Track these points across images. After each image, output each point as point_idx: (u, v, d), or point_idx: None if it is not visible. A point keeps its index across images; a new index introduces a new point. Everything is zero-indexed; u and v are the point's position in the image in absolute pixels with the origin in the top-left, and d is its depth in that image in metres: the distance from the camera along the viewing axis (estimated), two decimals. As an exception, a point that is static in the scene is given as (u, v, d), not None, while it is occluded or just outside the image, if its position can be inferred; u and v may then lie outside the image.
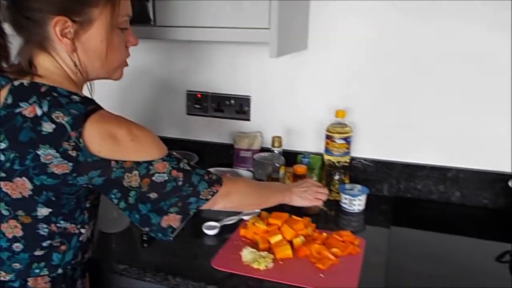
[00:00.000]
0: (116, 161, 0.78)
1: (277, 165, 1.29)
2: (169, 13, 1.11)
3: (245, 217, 1.20)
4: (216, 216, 1.23)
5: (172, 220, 0.85)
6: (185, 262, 1.02)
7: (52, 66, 0.81)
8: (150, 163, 0.80)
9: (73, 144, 0.74)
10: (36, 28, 0.77)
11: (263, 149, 1.50)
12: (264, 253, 1.01)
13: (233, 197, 0.94)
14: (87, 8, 0.77)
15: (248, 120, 1.53)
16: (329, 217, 1.27)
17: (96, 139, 0.76)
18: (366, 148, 1.42)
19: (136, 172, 0.79)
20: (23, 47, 0.82)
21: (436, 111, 1.33)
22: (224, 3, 1.06)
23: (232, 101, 1.52)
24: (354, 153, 1.42)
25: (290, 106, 1.47)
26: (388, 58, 1.33)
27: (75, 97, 0.78)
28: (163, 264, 1.01)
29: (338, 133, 1.33)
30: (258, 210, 1.24)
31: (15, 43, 0.82)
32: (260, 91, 1.49)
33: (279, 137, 1.29)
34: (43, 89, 0.76)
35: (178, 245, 1.09)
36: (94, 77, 0.87)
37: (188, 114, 1.57)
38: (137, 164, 0.79)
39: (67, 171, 0.75)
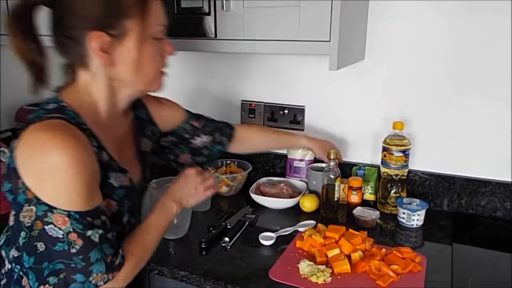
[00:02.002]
0: (23, 182, 0.70)
1: (332, 176, 1.28)
2: (230, 26, 1.14)
3: (300, 229, 1.20)
4: (271, 226, 1.24)
5: None
6: (243, 271, 1.03)
7: (91, 83, 0.82)
8: (50, 208, 0.70)
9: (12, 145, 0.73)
10: (76, 46, 0.77)
11: (316, 160, 1.50)
12: (322, 267, 1.01)
13: (136, 265, 0.83)
14: (121, 20, 0.77)
15: (302, 130, 1.52)
16: (386, 231, 1.24)
17: (23, 145, 0.71)
18: (424, 160, 1.38)
19: (34, 208, 0.71)
20: (64, 66, 0.83)
21: (502, 122, 1.26)
22: (285, 16, 1.07)
23: (286, 111, 1.53)
24: (411, 166, 1.37)
25: (345, 117, 1.46)
26: (447, 67, 1.28)
27: (53, 105, 0.78)
28: (222, 272, 1.03)
29: (396, 145, 1.30)
30: (313, 222, 1.24)
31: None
32: (315, 101, 1.49)
33: (335, 149, 1.28)
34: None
35: (236, 254, 1.11)
36: (134, 90, 0.86)
37: (242, 123, 1.60)
38: (38, 200, 0.70)
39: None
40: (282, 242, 1.15)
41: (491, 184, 1.29)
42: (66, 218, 0.70)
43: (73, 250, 0.72)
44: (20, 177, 0.71)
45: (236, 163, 1.54)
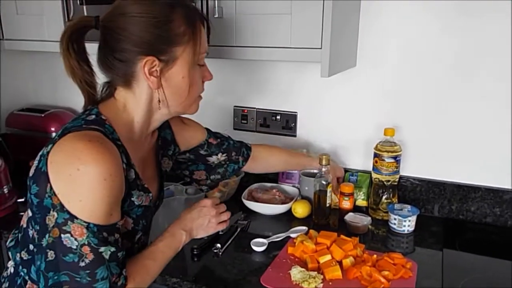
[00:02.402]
0: (52, 187, 0.71)
1: (324, 182, 1.29)
2: (222, 33, 1.14)
3: (292, 235, 1.20)
4: (263, 232, 1.24)
5: None
6: (234, 277, 1.03)
7: (131, 102, 0.84)
8: (71, 217, 0.70)
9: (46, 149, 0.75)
10: (124, 68, 0.80)
11: (309, 166, 1.50)
12: (314, 273, 1.01)
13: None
14: (172, 47, 0.80)
15: (294, 136, 1.53)
16: (377, 237, 1.25)
17: (59, 152, 0.73)
18: (415, 167, 1.39)
19: (55, 214, 0.71)
20: (107, 84, 0.86)
21: (492, 129, 1.28)
22: (277, 23, 1.08)
23: (278, 117, 1.54)
24: (403, 172, 1.38)
25: (337, 123, 1.47)
26: (438, 74, 1.30)
27: (93, 117, 0.79)
28: (214, 279, 1.02)
29: (387, 151, 1.31)
30: (305, 228, 1.24)
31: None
32: (307, 107, 1.50)
33: (327, 155, 1.29)
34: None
35: (227, 260, 1.10)
36: (172, 112, 0.89)
37: (235, 129, 1.60)
38: (61, 207, 0.71)
39: None
40: (274, 248, 1.15)
41: (481, 190, 1.31)
42: (84, 230, 0.71)
43: (82, 264, 0.72)
44: (49, 181, 0.71)
45: (228, 169, 1.53)
